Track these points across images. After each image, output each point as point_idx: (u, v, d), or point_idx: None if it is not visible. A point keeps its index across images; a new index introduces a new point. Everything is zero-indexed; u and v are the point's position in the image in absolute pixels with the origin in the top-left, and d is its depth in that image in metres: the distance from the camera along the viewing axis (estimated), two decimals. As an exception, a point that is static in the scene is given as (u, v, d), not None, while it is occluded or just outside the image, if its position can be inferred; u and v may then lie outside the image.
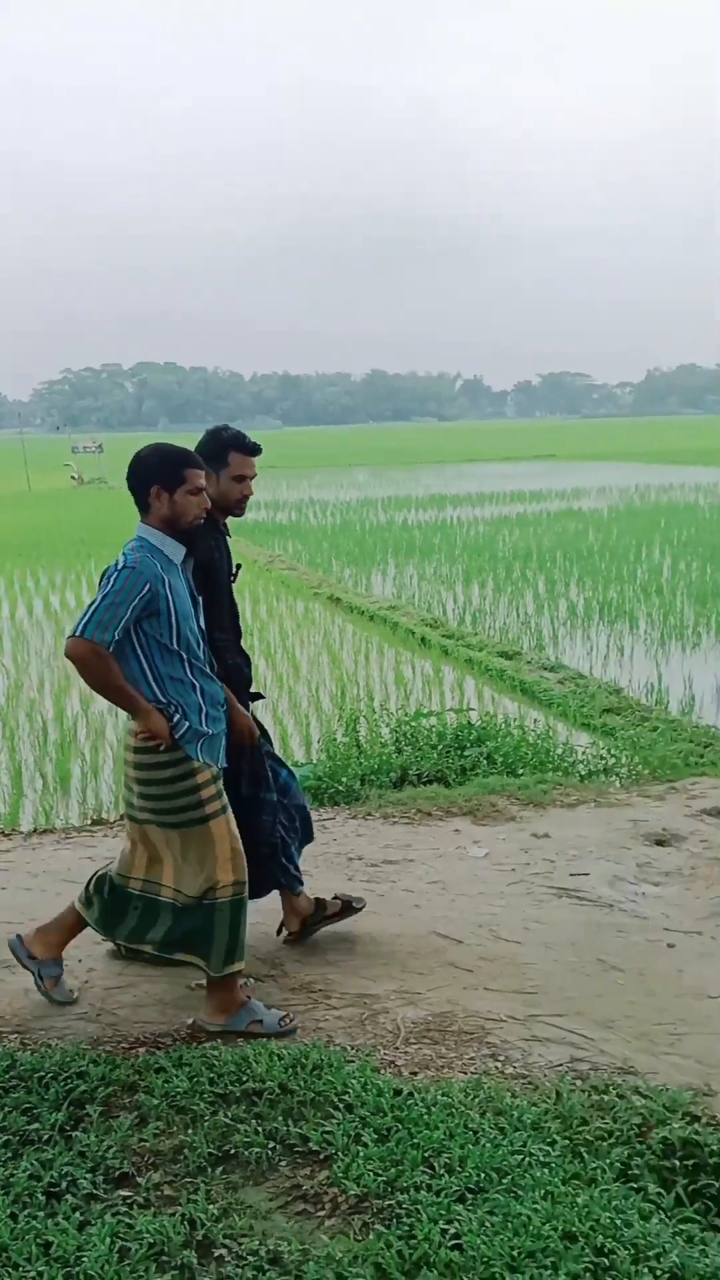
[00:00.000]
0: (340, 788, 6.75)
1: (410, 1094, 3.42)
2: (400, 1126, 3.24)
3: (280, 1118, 3.31)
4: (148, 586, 3.64)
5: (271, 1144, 3.21)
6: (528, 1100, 3.42)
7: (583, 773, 7.19)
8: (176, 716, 3.73)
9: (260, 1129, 3.26)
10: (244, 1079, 3.49)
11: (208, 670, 3.88)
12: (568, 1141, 3.20)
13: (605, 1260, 2.74)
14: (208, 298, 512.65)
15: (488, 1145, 3.15)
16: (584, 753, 7.57)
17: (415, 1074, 3.62)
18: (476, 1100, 3.39)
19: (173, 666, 3.76)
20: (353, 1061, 3.62)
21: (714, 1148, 3.19)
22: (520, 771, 7.05)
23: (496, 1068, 3.66)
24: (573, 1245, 2.77)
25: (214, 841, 3.78)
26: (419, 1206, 2.91)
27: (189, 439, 4.39)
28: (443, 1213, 2.89)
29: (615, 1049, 3.78)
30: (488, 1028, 3.92)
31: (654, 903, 4.99)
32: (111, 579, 3.65)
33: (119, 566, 3.68)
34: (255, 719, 4.39)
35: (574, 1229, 2.82)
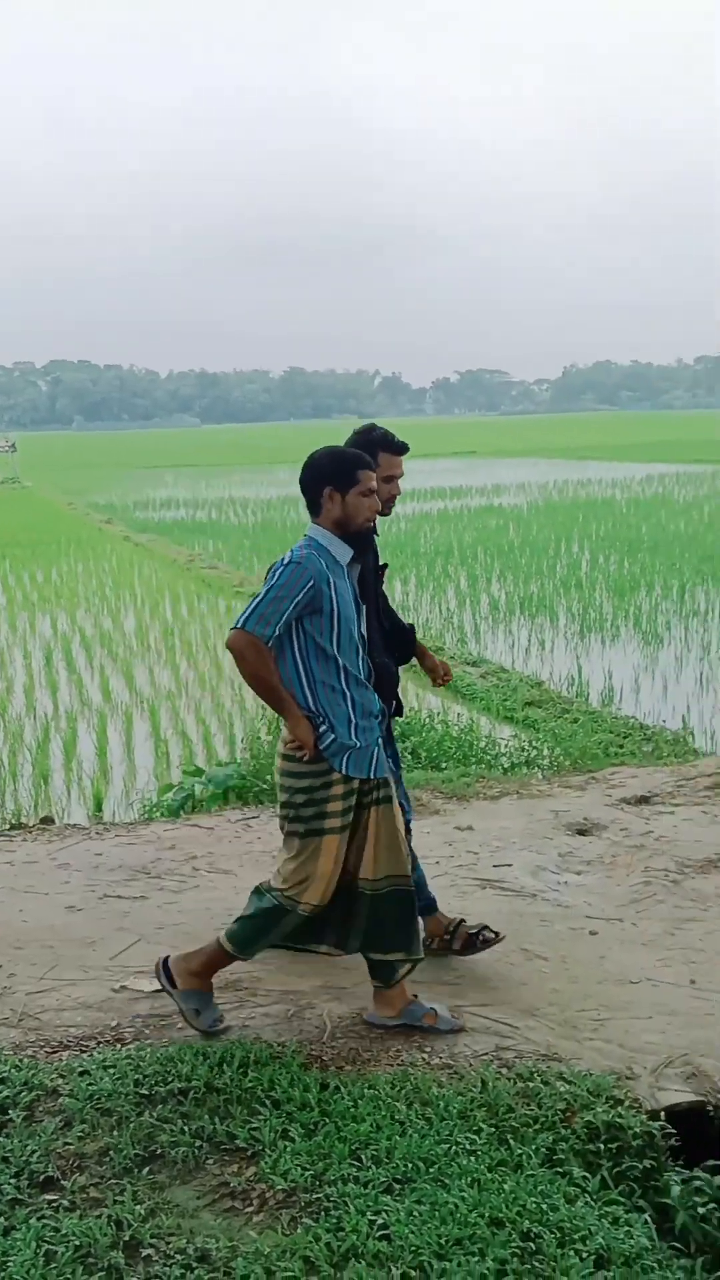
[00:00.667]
0: (265, 786, 6.73)
1: (337, 1088, 3.42)
2: (327, 1120, 3.25)
3: (207, 1116, 3.29)
4: (311, 583, 3.58)
5: (198, 1143, 3.19)
6: (454, 1090, 3.44)
7: (505, 765, 7.28)
8: (323, 728, 3.66)
9: (187, 1128, 3.24)
10: (169, 1079, 3.46)
11: (363, 679, 3.79)
12: (494, 1129, 3.23)
13: (532, 1245, 2.77)
14: (123, 297, 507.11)
15: (415, 1136, 3.17)
16: (506, 745, 7.66)
17: (342, 1068, 3.62)
18: (403, 1092, 3.41)
19: (328, 673, 3.69)
20: (279, 1058, 3.61)
21: (637, 1130, 3.25)
22: (444, 765, 7.11)
23: (423, 1059, 3.68)
24: (500, 1231, 2.80)
25: (320, 856, 3.67)
26: (347, 1199, 2.92)
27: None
28: (370, 1204, 2.90)
29: (539, 1036, 3.83)
30: (414, 1019, 3.94)
31: (576, 891, 5.06)
32: (276, 573, 3.61)
33: (284, 562, 3.63)
34: (393, 743, 4.36)
35: (501, 1215, 2.85)
